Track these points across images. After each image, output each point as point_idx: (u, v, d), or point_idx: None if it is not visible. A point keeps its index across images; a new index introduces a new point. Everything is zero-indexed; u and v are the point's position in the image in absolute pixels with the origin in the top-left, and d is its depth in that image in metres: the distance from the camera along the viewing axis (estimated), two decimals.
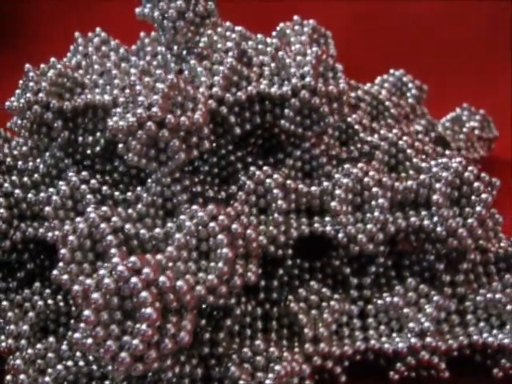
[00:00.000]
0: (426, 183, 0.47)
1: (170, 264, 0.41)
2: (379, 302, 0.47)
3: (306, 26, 0.57)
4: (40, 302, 0.48)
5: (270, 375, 0.42)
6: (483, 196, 0.46)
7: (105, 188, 0.49)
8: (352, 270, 0.49)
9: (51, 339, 0.46)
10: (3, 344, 0.46)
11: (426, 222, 0.47)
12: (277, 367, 0.42)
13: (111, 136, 0.49)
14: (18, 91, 0.51)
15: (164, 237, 0.44)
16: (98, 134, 0.52)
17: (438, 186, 0.46)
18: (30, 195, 0.50)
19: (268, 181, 0.47)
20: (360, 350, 0.46)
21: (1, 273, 0.51)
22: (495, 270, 0.50)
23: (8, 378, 0.44)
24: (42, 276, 0.51)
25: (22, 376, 0.43)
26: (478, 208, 0.46)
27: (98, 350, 0.38)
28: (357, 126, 0.55)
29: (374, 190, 0.46)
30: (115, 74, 0.52)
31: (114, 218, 0.44)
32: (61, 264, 0.43)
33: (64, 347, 0.45)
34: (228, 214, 0.43)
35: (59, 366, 0.44)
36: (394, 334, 0.47)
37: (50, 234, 0.48)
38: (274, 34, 0.57)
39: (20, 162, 0.54)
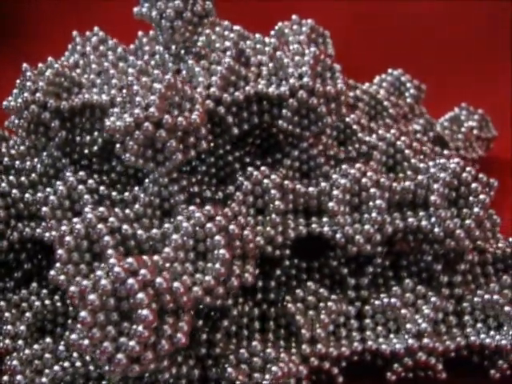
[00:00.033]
0: (423, 184, 0.47)
1: (167, 265, 0.41)
2: (376, 302, 0.47)
3: (304, 26, 0.56)
4: (37, 303, 0.48)
5: (267, 376, 0.42)
6: (481, 197, 0.46)
7: (102, 188, 0.49)
8: (349, 270, 0.49)
9: (48, 340, 0.46)
10: (0, 344, 0.46)
11: (423, 223, 0.47)
12: (274, 368, 0.42)
13: (109, 136, 0.49)
14: (15, 91, 0.51)
15: (161, 237, 0.44)
16: (96, 133, 0.52)
17: (435, 186, 0.46)
18: (27, 195, 0.50)
19: (265, 181, 0.47)
20: (357, 351, 0.46)
21: None
22: (493, 271, 0.49)
23: (5, 378, 0.44)
24: (39, 276, 0.51)
25: (18, 377, 0.43)
26: (476, 209, 0.46)
27: (94, 351, 0.38)
28: (355, 126, 0.55)
29: (372, 190, 0.46)
30: (113, 74, 0.52)
31: (111, 219, 0.44)
32: (58, 264, 0.43)
33: (61, 348, 0.45)
34: (225, 214, 0.43)
35: (56, 367, 0.44)
36: (392, 335, 0.47)
37: (47, 234, 0.47)
38: (272, 33, 0.57)
39: (17, 162, 0.54)
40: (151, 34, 0.57)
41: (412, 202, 0.48)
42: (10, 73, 0.53)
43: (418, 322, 0.46)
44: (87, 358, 0.44)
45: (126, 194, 0.49)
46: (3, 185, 0.50)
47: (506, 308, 0.46)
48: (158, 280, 0.38)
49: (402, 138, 0.53)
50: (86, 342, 0.38)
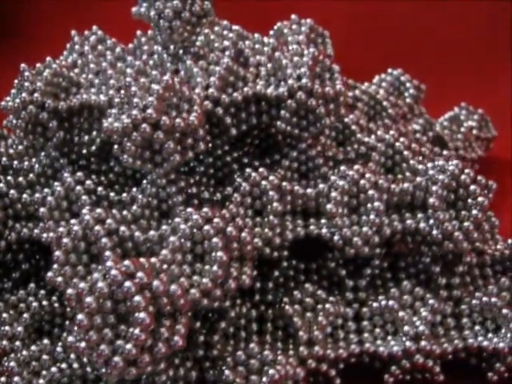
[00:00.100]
0: (422, 186, 0.47)
1: (165, 267, 0.41)
2: (374, 304, 0.47)
3: (303, 26, 0.56)
4: (35, 303, 0.48)
5: (264, 379, 0.42)
6: (479, 199, 0.46)
7: (100, 189, 0.49)
8: (347, 271, 0.49)
9: (46, 341, 0.46)
10: None
11: (422, 225, 0.46)
12: (271, 371, 0.42)
13: (107, 136, 0.49)
14: (13, 91, 0.51)
15: (158, 239, 0.44)
16: (94, 133, 0.52)
17: (434, 188, 0.46)
18: (25, 195, 0.50)
19: (264, 183, 0.47)
20: (355, 353, 0.46)
21: None
22: (491, 273, 0.49)
23: (2, 379, 0.44)
24: (37, 276, 0.51)
25: (16, 378, 0.43)
26: (475, 211, 0.46)
27: (91, 354, 0.38)
28: (354, 127, 0.55)
29: (370, 192, 0.46)
30: (111, 74, 0.52)
31: (109, 221, 0.43)
32: (55, 266, 0.43)
33: (58, 349, 0.45)
34: (223, 216, 0.42)
35: (53, 369, 0.44)
36: (389, 337, 0.46)
37: (44, 235, 0.47)
38: (271, 33, 0.57)
39: (15, 162, 0.54)
40: (150, 33, 0.57)
41: (410, 203, 0.47)
42: (9, 73, 0.53)
43: (416, 325, 0.46)
44: (84, 359, 0.44)
45: (124, 195, 0.49)
46: (1, 185, 0.50)
47: (504, 310, 0.46)
48: (155, 283, 0.38)
49: (401, 139, 0.53)
50: (83, 344, 0.38)
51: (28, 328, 0.47)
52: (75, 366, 0.44)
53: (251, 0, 0.90)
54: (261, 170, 0.48)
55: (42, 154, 0.52)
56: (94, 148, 0.52)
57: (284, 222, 0.47)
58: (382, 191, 0.46)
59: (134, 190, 0.49)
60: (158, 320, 0.38)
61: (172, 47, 0.53)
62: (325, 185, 0.48)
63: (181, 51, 0.53)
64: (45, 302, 0.48)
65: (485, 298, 0.47)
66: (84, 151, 0.52)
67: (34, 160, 0.53)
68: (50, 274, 0.43)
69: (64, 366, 0.44)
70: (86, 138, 0.52)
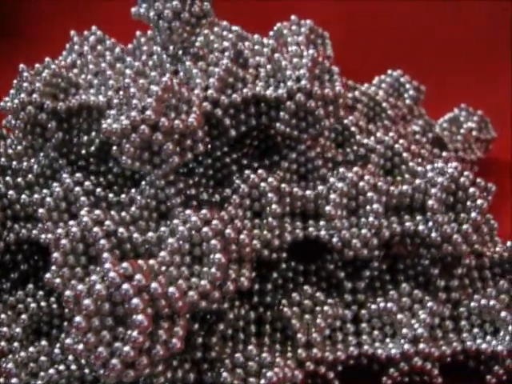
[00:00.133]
0: (421, 188, 0.47)
1: (163, 269, 0.41)
2: (373, 306, 0.47)
3: (303, 26, 0.56)
4: (33, 304, 0.48)
5: (262, 381, 0.42)
6: (478, 202, 0.46)
7: (99, 190, 0.49)
8: (346, 273, 0.49)
9: (44, 342, 0.46)
10: None
11: (420, 228, 0.46)
12: (269, 373, 0.42)
13: (105, 137, 0.49)
14: (12, 91, 0.51)
15: (157, 241, 0.44)
16: (93, 134, 0.52)
17: (433, 191, 0.46)
18: (23, 196, 0.50)
19: (262, 184, 0.47)
20: (353, 355, 0.46)
21: None
22: (490, 275, 0.49)
23: (0, 380, 0.44)
24: (35, 277, 0.51)
25: (14, 379, 0.43)
26: (473, 214, 0.45)
27: (89, 356, 0.38)
28: (353, 128, 0.55)
29: (369, 194, 0.46)
30: (110, 75, 0.52)
31: (107, 222, 0.43)
32: (53, 267, 0.43)
33: (56, 351, 0.45)
34: (221, 218, 0.42)
35: (51, 370, 0.44)
36: (388, 340, 0.46)
37: (43, 236, 0.47)
38: (271, 33, 0.56)
39: (14, 162, 0.54)
40: (149, 33, 0.57)
41: (409, 206, 0.47)
42: (9, 73, 0.53)
43: (415, 327, 0.46)
44: (82, 361, 0.44)
45: (123, 196, 0.49)
46: (0, 186, 0.50)
47: (503, 313, 0.46)
48: (153, 285, 0.38)
49: (400, 141, 0.53)
50: (81, 346, 0.38)
51: (26, 329, 0.47)
52: (73, 367, 0.44)
53: (251, 0, 0.90)
54: (260, 171, 0.48)
55: (41, 154, 0.52)
56: (93, 149, 0.52)
57: (283, 224, 0.47)
58: (380, 193, 0.46)
59: (133, 191, 0.49)
60: (156, 322, 0.38)
61: (171, 48, 0.53)
62: (324, 187, 0.48)
63: (180, 52, 0.53)
64: (43, 303, 0.48)
65: (483, 301, 0.47)
66: (83, 152, 0.52)
67: (32, 160, 0.53)
68: (48, 275, 0.43)
69: (62, 367, 0.44)
70: (85, 138, 0.52)
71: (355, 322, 0.47)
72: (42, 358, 0.44)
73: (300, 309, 0.47)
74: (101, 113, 0.50)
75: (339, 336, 0.47)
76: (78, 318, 0.37)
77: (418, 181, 0.47)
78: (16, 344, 0.46)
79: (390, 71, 0.66)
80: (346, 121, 0.55)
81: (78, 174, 0.49)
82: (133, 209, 0.48)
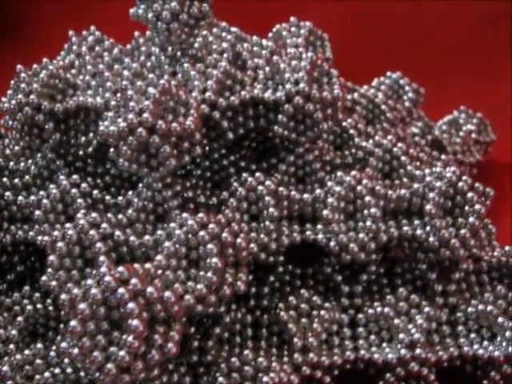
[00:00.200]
0: (419, 192, 0.47)
1: (159, 272, 0.40)
2: (370, 311, 0.47)
3: (302, 28, 0.56)
4: (29, 306, 0.48)
5: None
6: (476, 207, 0.45)
7: (95, 192, 0.49)
8: (343, 277, 0.49)
9: (39, 345, 0.45)
10: None
11: (418, 232, 0.46)
12: (265, 378, 0.42)
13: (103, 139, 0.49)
14: (9, 92, 0.51)
15: (153, 244, 0.44)
16: (91, 135, 0.52)
17: (431, 195, 0.46)
18: (20, 197, 0.49)
19: (260, 188, 0.47)
20: (350, 360, 0.46)
21: None
22: (488, 280, 0.49)
23: None
24: (32, 279, 0.51)
25: (9, 382, 0.43)
26: (471, 219, 0.45)
27: (84, 361, 0.37)
28: (352, 131, 0.55)
29: (367, 198, 0.46)
30: (107, 77, 0.52)
31: (104, 225, 0.43)
32: (49, 270, 0.43)
33: (52, 354, 0.45)
34: (218, 221, 0.42)
35: (47, 373, 0.44)
36: (384, 344, 0.46)
37: (39, 238, 0.47)
38: (269, 35, 0.56)
39: (11, 163, 0.53)
40: (148, 34, 0.57)
41: (407, 210, 0.47)
42: (9, 73, 0.53)
43: (411, 332, 0.46)
44: (78, 364, 0.44)
45: (120, 198, 0.49)
46: None
47: (500, 319, 0.46)
48: (149, 289, 0.38)
49: (399, 145, 0.52)
50: (76, 350, 0.37)
51: (22, 331, 0.47)
52: (69, 370, 0.44)
53: (250, 0, 0.89)
54: (257, 174, 0.47)
55: (38, 155, 0.52)
56: (90, 150, 0.52)
57: (280, 228, 0.47)
58: (378, 197, 0.46)
59: (130, 193, 0.49)
60: (152, 326, 0.38)
61: (170, 49, 0.53)
62: (321, 190, 0.48)
63: (179, 53, 0.53)
64: (39, 305, 0.48)
65: (481, 306, 0.47)
66: (80, 153, 0.52)
67: (30, 161, 0.53)
68: (44, 277, 0.43)
69: (57, 370, 0.44)
70: (83, 139, 0.52)
71: (352, 327, 0.47)
72: (38, 361, 0.44)
73: (297, 313, 0.47)
74: (98, 114, 0.50)
75: (336, 340, 0.47)
76: (73, 323, 0.37)
77: (416, 185, 0.47)
78: (12, 346, 0.46)
79: (389, 73, 0.65)
80: (344, 123, 0.55)
81: (74, 176, 0.49)
82: (130, 211, 0.47)
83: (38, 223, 0.48)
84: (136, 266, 0.39)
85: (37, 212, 0.47)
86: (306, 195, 0.48)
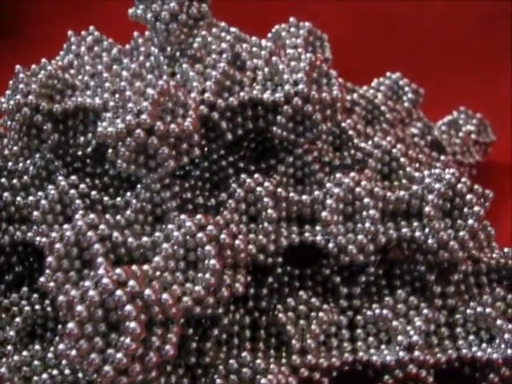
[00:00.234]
0: (418, 194, 0.47)
1: (157, 274, 0.40)
2: (368, 313, 0.47)
3: (301, 29, 0.56)
4: (27, 307, 0.48)
5: None
6: (475, 209, 0.45)
7: (94, 193, 0.49)
8: (342, 278, 0.49)
9: (37, 346, 0.45)
10: None
11: (417, 234, 0.46)
12: (263, 380, 0.42)
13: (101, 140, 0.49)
14: (8, 92, 0.51)
15: (152, 245, 0.44)
16: (89, 135, 0.52)
17: (430, 197, 0.46)
18: (18, 198, 0.49)
19: (259, 189, 0.47)
20: (348, 362, 0.46)
21: None
22: (486, 281, 0.49)
23: None
24: (30, 279, 0.51)
25: None
26: (470, 221, 0.45)
27: (81, 363, 0.37)
28: (351, 132, 0.54)
29: (366, 200, 0.46)
30: (106, 77, 0.52)
31: (102, 226, 0.43)
32: (47, 271, 0.43)
33: (50, 355, 0.45)
34: (216, 223, 0.42)
35: (44, 375, 0.44)
36: (383, 346, 0.46)
37: (37, 239, 0.47)
38: (269, 36, 0.56)
39: (10, 163, 0.53)
40: (147, 34, 0.57)
41: (406, 212, 0.47)
42: (9, 73, 0.52)
43: (410, 335, 0.45)
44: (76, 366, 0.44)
45: (118, 199, 0.49)
46: None
47: (499, 321, 0.46)
48: (147, 292, 0.38)
49: (398, 146, 0.52)
50: (74, 352, 0.37)
51: (20, 332, 0.47)
52: (66, 371, 0.44)
53: (250, 0, 0.89)
54: (256, 176, 0.47)
55: (37, 156, 0.52)
56: (89, 150, 0.52)
57: (279, 229, 0.47)
58: (377, 199, 0.46)
59: (128, 194, 0.49)
60: (149, 328, 0.38)
61: (169, 49, 0.53)
62: (320, 192, 0.48)
63: (178, 53, 0.53)
64: (37, 306, 0.48)
65: (479, 308, 0.47)
66: (79, 153, 0.52)
67: (28, 162, 0.53)
68: (42, 279, 0.43)
69: (55, 372, 0.44)
70: (82, 140, 0.51)
71: (350, 328, 0.47)
72: (36, 362, 0.44)
73: (295, 314, 0.46)
74: (97, 115, 0.50)
75: (334, 342, 0.47)
76: (70, 325, 0.37)
77: (415, 187, 0.47)
78: (9, 347, 0.46)
79: (388, 73, 0.65)
80: (343, 124, 0.55)
81: (73, 177, 0.49)
82: (128, 212, 0.47)
83: (36, 224, 0.48)
84: (134, 267, 0.39)
85: (35, 213, 0.47)
86: (304, 196, 0.48)
